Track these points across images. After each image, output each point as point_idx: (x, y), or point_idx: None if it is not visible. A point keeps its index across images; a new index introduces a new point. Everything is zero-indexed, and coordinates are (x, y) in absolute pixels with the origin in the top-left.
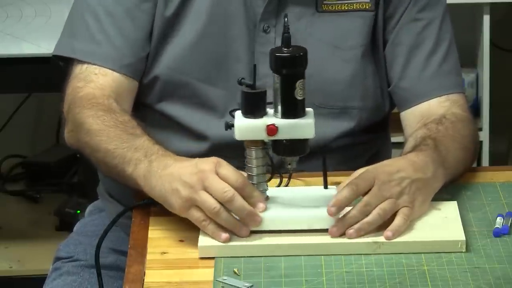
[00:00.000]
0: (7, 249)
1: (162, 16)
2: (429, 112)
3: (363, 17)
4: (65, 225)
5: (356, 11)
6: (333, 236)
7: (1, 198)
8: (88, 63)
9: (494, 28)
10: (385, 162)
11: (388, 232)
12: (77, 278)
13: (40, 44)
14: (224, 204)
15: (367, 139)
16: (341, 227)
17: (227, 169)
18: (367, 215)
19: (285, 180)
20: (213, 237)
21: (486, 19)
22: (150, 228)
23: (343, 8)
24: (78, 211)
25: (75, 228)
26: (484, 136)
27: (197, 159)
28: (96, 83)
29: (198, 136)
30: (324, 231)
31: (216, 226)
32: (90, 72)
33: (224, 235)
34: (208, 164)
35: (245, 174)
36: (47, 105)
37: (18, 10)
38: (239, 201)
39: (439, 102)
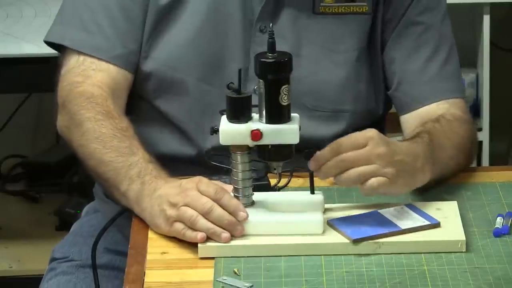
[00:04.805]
0: (7, 249)
1: (156, 4)
2: (428, 115)
3: (358, 20)
4: (65, 225)
5: (352, 14)
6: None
7: (1, 198)
8: (84, 54)
9: (494, 28)
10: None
11: (364, 185)
12: (72, 278)
13: (40, 44)
14: (205, 215)
15: None
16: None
17: (207, 185)
18: (344, 171)
19: (284, 180)
20: (191, 241)
21: (486, 19)
22: (150, 228)
23: (340, 11)
24: (78, 211)
25: (71, 229)
26: (484, 136)
27: (182, 180)
28: (94, 79)
29: (191, 136)
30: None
31: (193, 230)
32: (87, 66)
33: (200, 234)
34: (190, 183)
35: (230, 188)
36: (47, 105)
37: (18, 10)
38: (218, 211)
39: (438, 105)
